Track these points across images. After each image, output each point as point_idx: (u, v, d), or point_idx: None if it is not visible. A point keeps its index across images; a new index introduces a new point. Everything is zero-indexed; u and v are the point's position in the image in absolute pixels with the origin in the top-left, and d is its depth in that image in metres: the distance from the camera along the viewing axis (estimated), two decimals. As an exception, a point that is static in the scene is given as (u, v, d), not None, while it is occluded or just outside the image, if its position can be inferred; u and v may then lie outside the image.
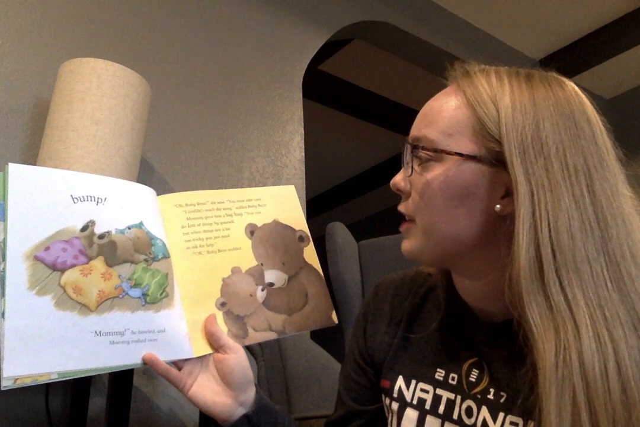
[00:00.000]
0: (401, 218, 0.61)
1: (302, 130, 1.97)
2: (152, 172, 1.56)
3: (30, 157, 1.36)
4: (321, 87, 3.09)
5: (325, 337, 1.46)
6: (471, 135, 0.54)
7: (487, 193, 0.54)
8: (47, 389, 1.22)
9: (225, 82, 1.81)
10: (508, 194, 0.53)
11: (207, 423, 1.18)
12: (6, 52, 1.42)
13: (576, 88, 0.58)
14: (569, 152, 0.52)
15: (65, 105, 1.18)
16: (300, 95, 2.01)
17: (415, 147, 0.57)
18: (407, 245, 0.60)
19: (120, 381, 1.06)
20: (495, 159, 0.53)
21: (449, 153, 0.55)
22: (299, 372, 1.20)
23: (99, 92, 1.18)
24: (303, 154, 1.94)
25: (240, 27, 1.91)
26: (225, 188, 1.69)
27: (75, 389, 1.22)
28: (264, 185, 1.77)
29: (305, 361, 1.22)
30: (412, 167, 0.58)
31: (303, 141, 1.96)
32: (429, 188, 0.56)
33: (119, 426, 1.01)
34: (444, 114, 0.57)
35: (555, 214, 0.50)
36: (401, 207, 0.61)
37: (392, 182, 0.61)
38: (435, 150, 0.56)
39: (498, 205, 0.53)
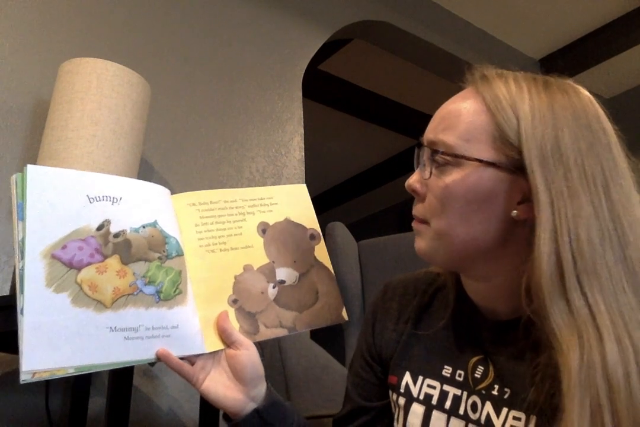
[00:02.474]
0: (413, 217, 0.62)
1: (302, 130, 1.97)
2: (152, 172, 1.56)
3: (30, 157, 1.36)
4: (321, 87, 3.09)
5: (325, 337, 1.46)
6: (490, 142, 0.55)
7: (505, 199, 0.55)
8: (47, 389, 1.22)
9: (225, 82, 1.82)
10: (524, 200, 0.54)
11: (207, 423, 1.18)
12: (6, 52, 1.42)
13: (591, 97, 0.59)
14: (587, 161, 0.53)
15: (65, 105, 1.18)
16: (300, 95, 2.01)
17: (435, 152, 0.58)
18: (422, 245, 0.60)
19: (120, 381, 1.05)
20: (514, 166, 0.54)
21: (469, 159, 0.55)
22: (298, 372, 1.20)
23: (99, 92, 1.18)
24: (303, 153, 1.94)
25: (240, 27, 1.91)
26: (225, 188, 1.69)
27: (75, 389, 1.22)
28: (263, 185, 1.76)
29: (305, 360, 1.22)
30: (431, 171, 0.58)
31: (303, 141, 1.96)
32: (448, 192, 0.56)
33: (118, 426, 1.01)
34: (462, 118, 0.57)
35: (576, 222, 0.51)
36: (416, 210, 0.61)
37: (407, 183, 0.61)
38: (456, 156, 0.56)
39: (515, 211, 0.54)
